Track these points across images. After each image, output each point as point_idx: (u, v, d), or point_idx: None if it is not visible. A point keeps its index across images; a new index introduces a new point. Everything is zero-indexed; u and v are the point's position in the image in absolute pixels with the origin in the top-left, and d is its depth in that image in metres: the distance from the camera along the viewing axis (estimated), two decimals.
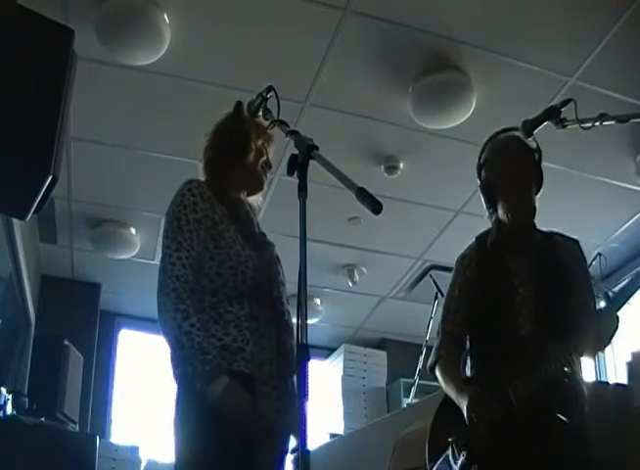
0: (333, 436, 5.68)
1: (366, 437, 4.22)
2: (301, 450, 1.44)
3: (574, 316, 2.13)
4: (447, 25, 3.62)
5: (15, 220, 4.08)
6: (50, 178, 2.00)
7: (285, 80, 3.00)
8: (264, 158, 2.21)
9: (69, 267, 6.02)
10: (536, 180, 2.32)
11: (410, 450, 2.96)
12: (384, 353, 6.84)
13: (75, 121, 3.63)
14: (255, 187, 2.22)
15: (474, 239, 2.42)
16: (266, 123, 2.09)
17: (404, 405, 5.76)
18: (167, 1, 3.44)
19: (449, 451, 2.11)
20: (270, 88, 2.03)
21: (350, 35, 3.67)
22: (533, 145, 2.32)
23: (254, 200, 2.25)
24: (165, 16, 3.47)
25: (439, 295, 4.76)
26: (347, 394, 6.51)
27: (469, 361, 2.32)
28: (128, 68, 3.74)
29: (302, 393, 1.48)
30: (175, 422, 1.89)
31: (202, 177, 2.16)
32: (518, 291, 2.19)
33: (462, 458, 2.05)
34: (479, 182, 2.39)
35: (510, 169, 2.29)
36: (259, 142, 2.20)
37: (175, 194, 2.04)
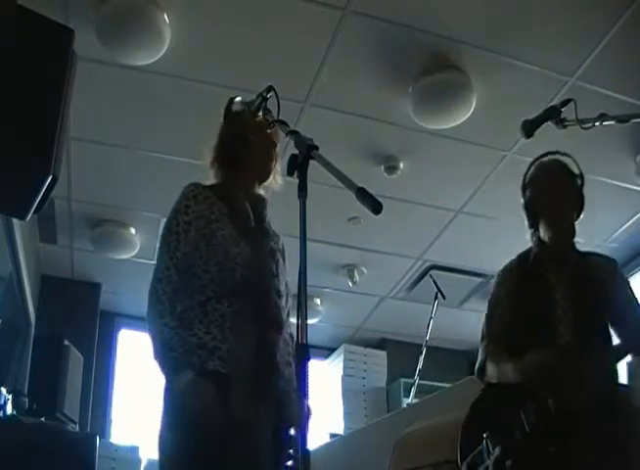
0: (333, 436, 5.68)
1: (366, 437, 4.21)
2: (301, 450, 1.44)
3: (615, 324, 2.26)
4: (447, 25, 3.62)
5: (15, 220, 4.08)
6: (50, 178, 2.00)
7: (285, 80, 3.00)
8: (263, 144, 2.20)
9: (69, 267, 6.02)
10: (578, 205, 2.41)
11: (410, 450, 2.96)
12: (384, 353, 6.84)
13: (75, 121, 3.63)
14: (263, 173, 2.23)
15: (515, 256, 2.49)
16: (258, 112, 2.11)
17: (404, 405, 5.76)
18: (167, 1, 3.44)
19: (483, 446, 2.14)
20: (270, 88, 2.03)
21: (350, 35, 3.67)
22: (577, 170, 2.42)
23: (270, 185, 2.26)
24: (165, 16, 3.47)
25: (439, 295, 4.76)
26: (347, 394, 6.51)
27: None
28: (128, 68, 3.74)
29: (302, 393, 1.48)
30: (160, 419, 1.93)
31: (210, 182, 2.19)
32: (559, 303, 2.28)
33: (496, 453, 2.08)
34: (522, 201, 2.47)
35: (555, 193, 2.39)
36: (255, 131, 2.19)
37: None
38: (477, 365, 2.40)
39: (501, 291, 2.42)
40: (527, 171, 2.48)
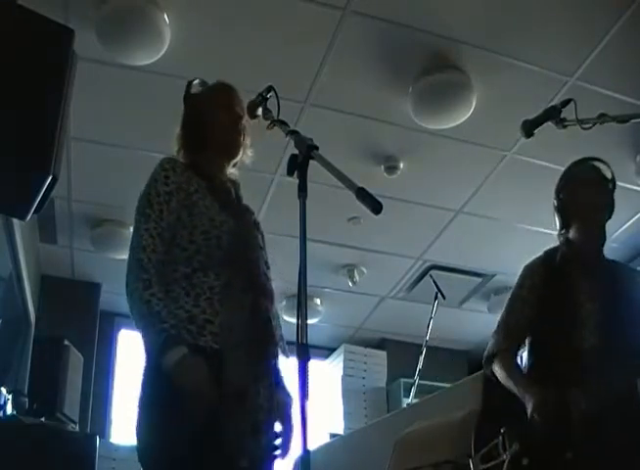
0: (333, 436, 5.68)
1: (366, 437, 4.22)
2: (302, 450, 1.44)
3: (637, 340, 2.25)
4: (447, 25, 3.62)
5: (15, 220, 4.08)
6: (50, 178, 2.00)
7: (285, 80, 3.00)
8: (226, 118, 2.12)
9: (69, 267, 6.02)
10: (610, 209, 2.46)
11: (410, 450, 2.96)
12: (384, 353, 6.84)
13: (75, 121, 3.63)
14: (231, 148, 2.12)
15: (542, 252, 2.48)
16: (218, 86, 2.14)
17: (404, 405, 5.76)
18: (167, 1, 3.44)
19: (499, 440, 2.14)
20: (270, 88, 2.03)
21: (350, 35, 3.67)
22: (610, 176, 2.45)
23: (242, 160, 2.17)
24: (165, 16, 3.47)
25: (439, 295, 4.76)
26: (347, 394, 6.51)
27: (526, 361, 2.37)
28: (128, 68, 3.74)
29: (302, 393, 1.48)
30: (138, 398, 1.84)
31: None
32: (584, 306, 2.28)
33: (514, 449, 2.08)
34: (555, 203, 2.47)
35: (590, 199, 2.42)
36: (214, 107, 2.14)
37: None
38: (485, 353, 2.39)
39: (525, 285, 2.41)
40: (563, 175, 2.49)
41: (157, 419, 1.78)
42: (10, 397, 3.87)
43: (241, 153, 2.14)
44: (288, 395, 1.93)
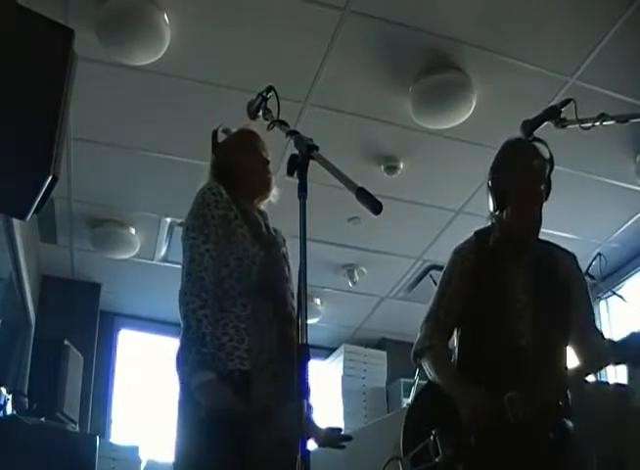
0: None
1: (366, 437, 4.21)
2: (301, 450, 1.44)
3: (575, 334, 2.17)
4: (447, 25, 3.62)
5: (15, 220, 4.08)
6: (50, 178, 2.00)
7: (285, 80, 3.00)
8: (256, 161, 2.24)
9: (69, 267, 6.02)
10: (547, 192, 2.32)
11: None
12: (384, 353, 6.83)
13: (75, 121, 3.63)
14: (259, 188, 2.26)
15: (472, 234, 2.40)
16: (247, 129, 2.22)
17: (404, 405, 5.76)
18: (167, 1, 3.44)
19: (429, 442, 2.08)
20: (270, 88, 2.05)
21: (350, 35, 3.67)
22: (548, 156, 2.30)
23: (270, 198, 2.30)
24: (165, 16, 3.47)
25: None
26: (347, 394, 6.50)
27: (457, 355, 2.26)
28: (128, 68, 3.74)
29: (303, 393, 1.49)
30: (176, 410, 1.92)
31: None
32: (518, 297, 2.18)
33: (447, 455, 2.03)
34: (490, 182, 2.36)
35: (531, 185, 2.28)
36: (242, 154, 2.24)
37: (196, 195, 2.10)
38: (414, 347, 2.28)
39: (454, 272, 2.30)
40: (502, 152, 2.36)
41: (185, 435, 1.87)
42: (10, 397, 3.87)
43: (272, 192, 2.29)
44: (309, 406, 1.97)
